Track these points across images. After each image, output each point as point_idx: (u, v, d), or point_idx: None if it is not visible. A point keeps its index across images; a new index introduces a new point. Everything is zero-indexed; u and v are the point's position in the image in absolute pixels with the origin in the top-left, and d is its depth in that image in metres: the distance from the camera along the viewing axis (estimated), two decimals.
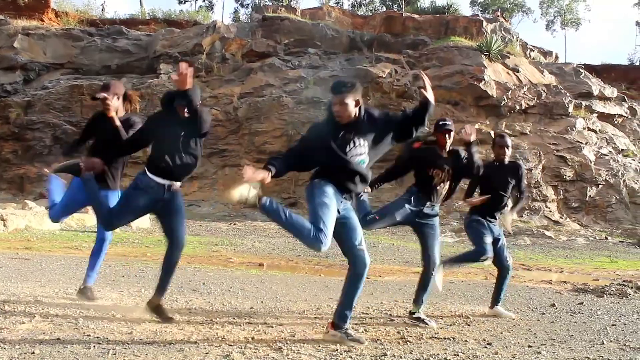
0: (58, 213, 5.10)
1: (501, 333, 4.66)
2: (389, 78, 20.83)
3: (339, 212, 3.96)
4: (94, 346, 3.59)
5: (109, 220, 4.56)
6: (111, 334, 3.92)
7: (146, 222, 14.53)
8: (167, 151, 4.38)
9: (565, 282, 8.66)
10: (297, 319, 4.86)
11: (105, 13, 28.64)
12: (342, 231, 4.02)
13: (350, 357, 3.64)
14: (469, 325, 4.93)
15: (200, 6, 40.65)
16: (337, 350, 3.77)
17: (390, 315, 5.30)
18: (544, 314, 5.75)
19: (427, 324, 4.81)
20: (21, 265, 7.44)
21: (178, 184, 4.53)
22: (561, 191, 19.20)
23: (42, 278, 6.31)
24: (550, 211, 18.66)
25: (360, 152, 4.03)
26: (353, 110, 4.04)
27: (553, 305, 6.29)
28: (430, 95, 4.05)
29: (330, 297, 5.85)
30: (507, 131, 19.80)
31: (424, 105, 4.06)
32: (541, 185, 19.00)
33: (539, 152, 19.48)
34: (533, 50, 25.93)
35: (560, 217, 18.58)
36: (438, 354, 3.81)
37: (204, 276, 7.45)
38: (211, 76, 22.22)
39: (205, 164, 19.93)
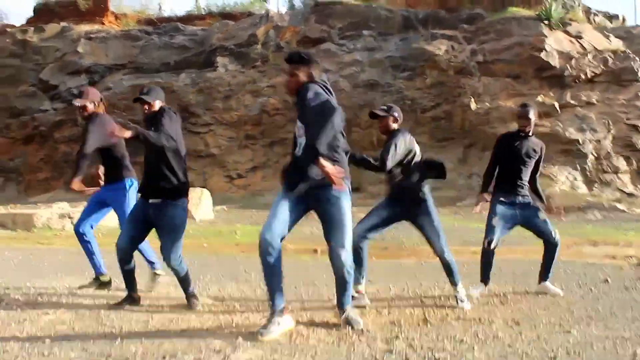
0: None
1: (536, 312, 4.41)
2: (446, 55, 20.24)
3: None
4: (106, 335, 3.64)
5: None
6: (128, 322, 3.97)
7: (209, 213, 14.83)
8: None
9: (631, 256, 8.16)
10: (322, 304, 4.75)
11: (162, 11, 29.23)
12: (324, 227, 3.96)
13: (361, 340, 3.52)
14: (503, 305, 4.70)
15: None
16: (347, 334, 3.66)
17: (423, 296, 5.13)
18: (592, 290, 5.42)
19: (459, 303, 4.62)
20: (74, 259, 7.66)
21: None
22: (634, 161, 18.12)
23: (87, 271, 6.49)
24: (623, 183, 17.67)
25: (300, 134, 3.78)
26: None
27: (606, 281, 5.92)
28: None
29: (370, 280, 5.63)
30: (573, 102, 18.89)
31: None
32: (612, 157, 18.01)
33: (608, 122, 18.44)
34: (597, 15, 24.49)
35: (635, 189, 17.56)
36: (456, 335, 3.63)
37: (250, 264, 7.45)
38: (268, 66, 22.24)
39: (267, 154, 20.07)
